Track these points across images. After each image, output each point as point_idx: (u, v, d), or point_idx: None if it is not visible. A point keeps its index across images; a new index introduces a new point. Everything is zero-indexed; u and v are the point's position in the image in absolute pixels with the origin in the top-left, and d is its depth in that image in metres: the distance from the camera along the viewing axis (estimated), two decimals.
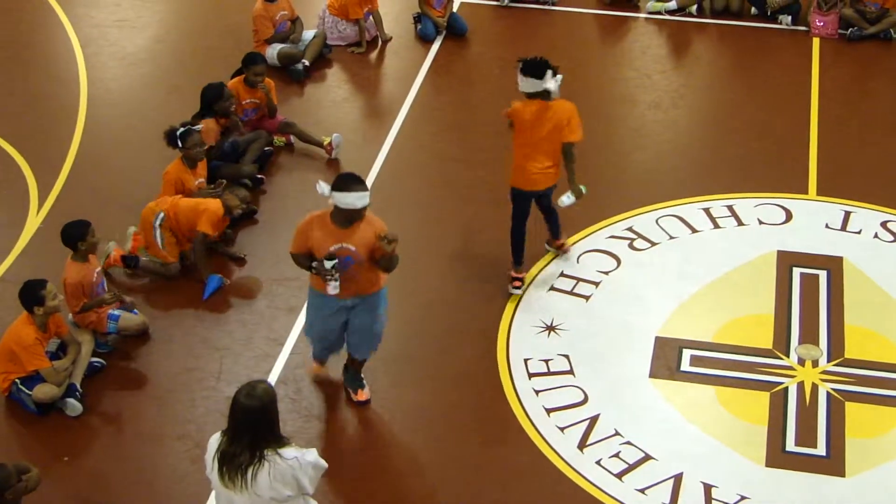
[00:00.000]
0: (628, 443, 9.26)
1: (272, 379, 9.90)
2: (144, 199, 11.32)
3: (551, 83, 10.11)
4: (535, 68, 10.10)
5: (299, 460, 6.63)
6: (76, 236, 9.86)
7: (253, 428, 6.54)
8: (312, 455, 6.73)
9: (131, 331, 10.28)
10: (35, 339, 9.42)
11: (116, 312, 10.18)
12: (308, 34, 14.58)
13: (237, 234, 11.64)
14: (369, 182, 12.37)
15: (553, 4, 15.82)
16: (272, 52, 14.13)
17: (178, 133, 11.21)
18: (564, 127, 10.25)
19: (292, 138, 12.99)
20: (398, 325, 10.30)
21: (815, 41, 14.99)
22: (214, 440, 6.71)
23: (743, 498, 8.81)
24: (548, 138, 10.27)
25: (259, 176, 12.32)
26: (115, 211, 11.77)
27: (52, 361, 9.52)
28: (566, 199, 10.70)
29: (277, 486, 6.58)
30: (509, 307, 10.65)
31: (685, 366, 10.04)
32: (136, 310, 10.38)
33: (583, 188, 10.64)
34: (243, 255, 11.38)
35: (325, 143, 12.73)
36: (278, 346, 10.31)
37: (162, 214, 10.90)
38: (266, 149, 12.64)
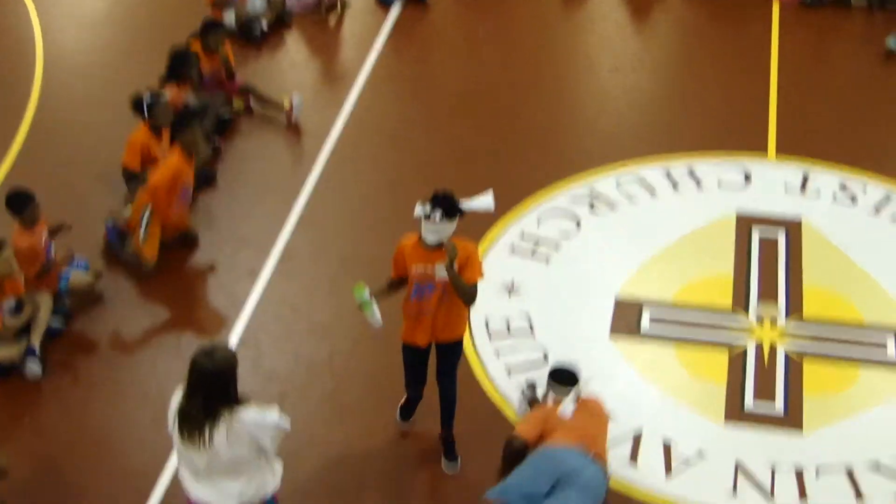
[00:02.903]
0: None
1: (233, 340, 9.89)
2: (104, 161, 11.25)
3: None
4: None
5: (258, 421, 6.60)
6: (18, 205, 9.76)
7: (207, 389, 6.51)
8: (273, 415, 6.70)
9: (81, 289, 10.22)
10: None
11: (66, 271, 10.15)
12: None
13: (197, 198, 11.57)
14: (329, 145, 12.35)
15: None
16: (230, 16, 14.03)
17: (145, 101, 11.10)
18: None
19: (252, 102, 12.92)
20: (356, 276, 10.30)
21: (775, 6, 15.02)
22: (176, 397, 6.69)
23: (702, 455, 8.87)
24: None
25: (216, 143, 12.22)
26: (76, 174, 11.71)
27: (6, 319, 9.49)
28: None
29: (235, 446, 6.56)
30: None
31: (645, 326, 10.09)
32: (84, 262, 10.30)
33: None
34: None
35: (285, 104, 12.66)
36: (239, 309, 10.29)
37: (149, 212, 10.62)
38: (225, 117, 12.55)
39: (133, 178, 11.22)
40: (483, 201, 8.23)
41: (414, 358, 8.43)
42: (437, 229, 7.91)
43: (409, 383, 8.62)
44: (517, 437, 8.05)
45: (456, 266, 7.93)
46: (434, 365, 8.59)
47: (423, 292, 8.13)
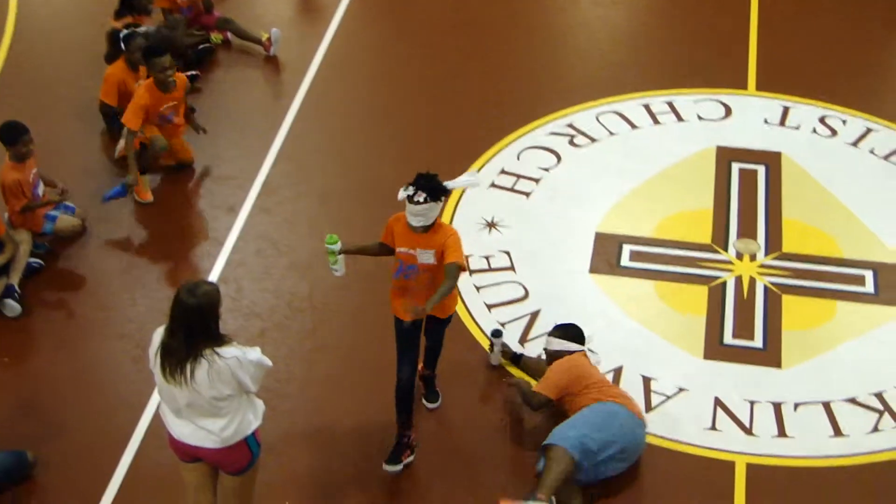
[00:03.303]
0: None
1: (213, 278, 9.88)
2: (85, 97, 11.16)
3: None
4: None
5: (240, 359, 6.59)
6: (10, 136, 9.69)
7: (189, 325, 6.50)
8: (255, 353, 6.71)
9: (67, 232, 10.19)
10: None
11: (54, 213, 10.07)
12: None
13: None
14: (307, 80, 12.28)
15: None
16: None
17: (121, 36, 11.00)
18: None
19: (229, 35, 12.82)
20: (335, 212, 10.32)
21: None
22: (158, 334, 6.68)
23: (681, 390, 8.93)
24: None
25: (195, 73, 12.14)
26: (54, 109, 11.63)
27: None
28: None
29: (217, 384, 6.56)
30: (450, 204, 10.64)
31: (625, 261, 10.11)
32: (70, 204, 10.26)
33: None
34: (204, 129, 11.27)
35: (264, 38, 12.58)
36: (218, 246, 10.27)
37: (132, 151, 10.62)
38: (203, 45, 12.47)
39: (111, 114, 11.15)
40: (467, 180, 8.07)
41: (401, 331, 8.26)
42: (421, 211, 7.65)
43: (398, 358, 8.41)
44: (539, 396, 8.34)
45: (437, 253, 7.83)
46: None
47: (408, 272, 8.01)
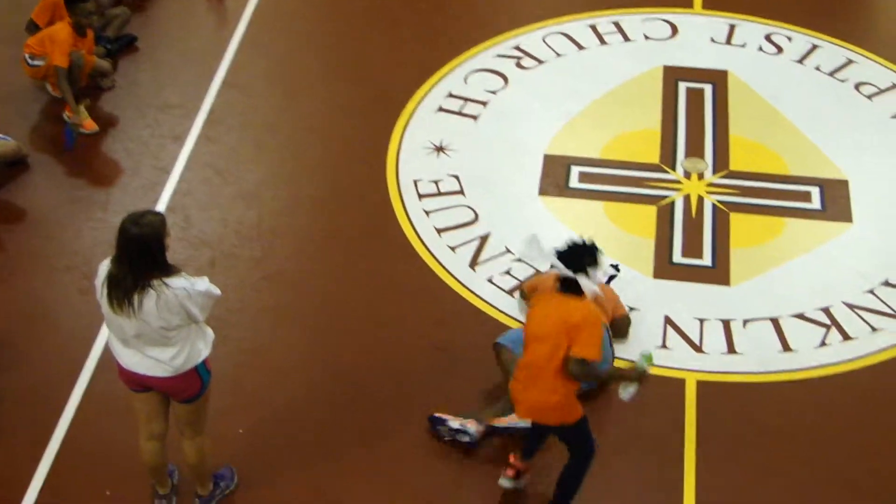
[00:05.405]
0: (519, 260, 9.33)
1: (160, 207, 9.80)
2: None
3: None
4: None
5: (188, 290, 6.56)
6: None
7: (134, 255, 6.45)
8: (204, 284, 6.67)
9: (7, 157, 10.05)
10: None
11: None
12: None
13: (118, 63, 11.38)
14: (251, 5, 12.14)
15: None
16: None
17: None
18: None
19: None
20: (282, 139, 10.25)
21: None
22: (104, 266, 6.63)
23: (632, 309, 8.95)
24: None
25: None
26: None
27: None
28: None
29: (165, 314, 6.53)
30: (398, 128, 10.59)
31: (573, 182, 10.12)
32: (7, 136, 10.14)
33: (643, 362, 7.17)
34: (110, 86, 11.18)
35: None
36: (165, 175, 10.18)
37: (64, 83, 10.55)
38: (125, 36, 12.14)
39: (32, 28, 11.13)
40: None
41: None
42: None
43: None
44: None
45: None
46: None
47: None
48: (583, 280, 6.83)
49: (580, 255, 6.92)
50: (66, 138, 10.44)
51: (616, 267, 8.90)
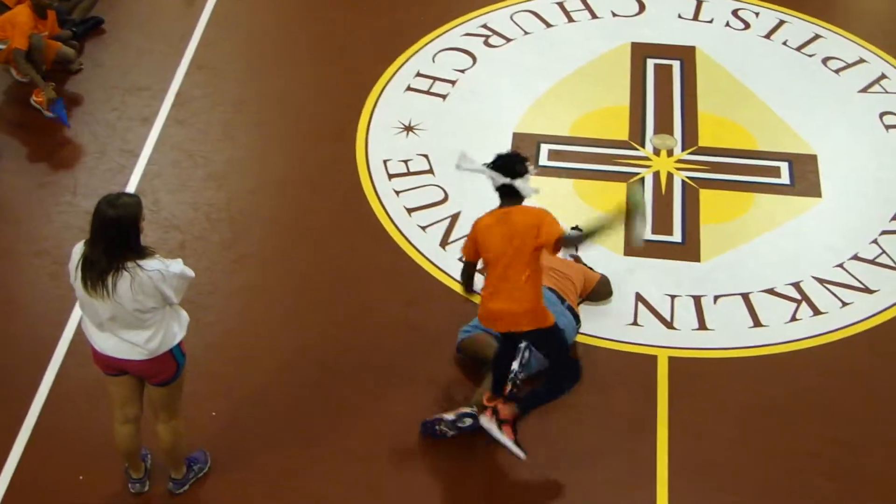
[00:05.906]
0: None
1: (129, 190, 9.75)
2: None
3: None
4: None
5: (163, 272, 6.56)
6: None
7: (109, 237, 6.45)
8: (178, 266, 6.67)
9: None
10: None
11: None
12: None
13: (84, 46, 11.31)
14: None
15: None
16: None
17: None
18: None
19: None
20: (251, 120, 10.22)
21: None
22: (78, 249, 6.62)
23: None
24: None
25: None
26: None
27: None
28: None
29: (139, 297, 6.52)
30: (367, 108, 10.57)
31: (543, 160, 10.12)
32: None
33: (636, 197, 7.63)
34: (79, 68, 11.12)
35: None
36: (133, 158, 10.14)
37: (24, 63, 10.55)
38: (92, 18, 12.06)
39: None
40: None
41: None
42: None
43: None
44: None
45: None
46: None
47: None
48: (519, 183, 7.20)
49: (512, 162, 7.30)
50: (59, 115, 10.41)
51: (577, 228, 8.65)
